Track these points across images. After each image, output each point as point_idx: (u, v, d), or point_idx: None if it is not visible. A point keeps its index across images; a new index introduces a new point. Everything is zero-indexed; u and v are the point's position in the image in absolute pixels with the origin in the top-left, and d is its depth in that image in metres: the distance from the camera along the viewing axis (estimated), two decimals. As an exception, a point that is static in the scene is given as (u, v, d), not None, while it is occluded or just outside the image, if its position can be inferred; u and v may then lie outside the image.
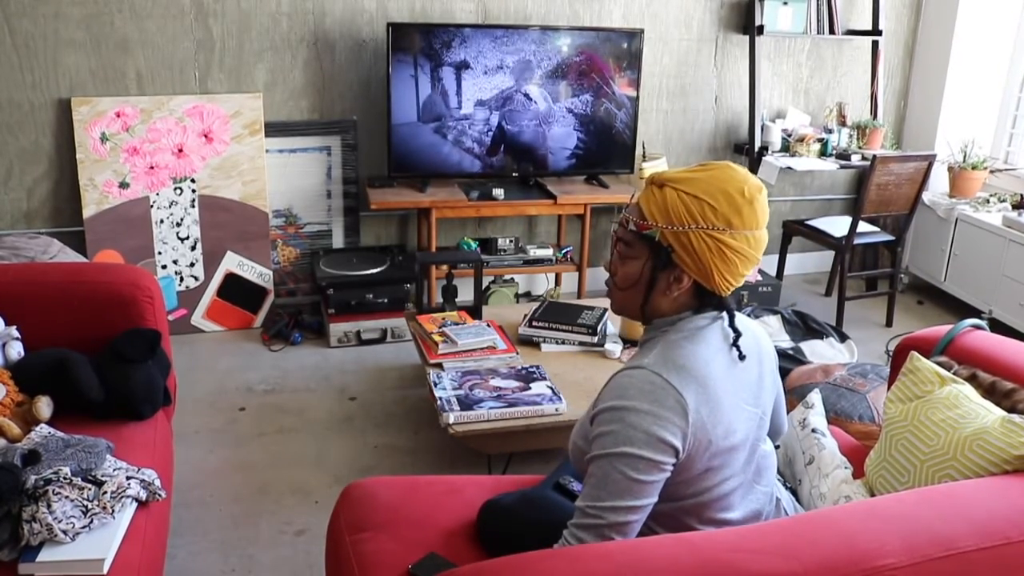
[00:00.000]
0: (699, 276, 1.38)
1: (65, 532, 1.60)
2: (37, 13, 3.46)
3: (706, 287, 1.39)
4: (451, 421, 2.40)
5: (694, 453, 1.32)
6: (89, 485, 1.72)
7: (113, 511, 1.69)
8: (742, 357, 1.41)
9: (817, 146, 4.36)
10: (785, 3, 4.26)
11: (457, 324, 2.94)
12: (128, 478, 1.80)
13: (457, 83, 3.79)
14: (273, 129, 3.84)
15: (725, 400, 1.36)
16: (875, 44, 4.51)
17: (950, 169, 4.44)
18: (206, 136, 3.72)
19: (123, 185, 3.66)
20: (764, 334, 1.55)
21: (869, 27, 4.51)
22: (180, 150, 3.70)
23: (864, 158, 4.28)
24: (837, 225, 4.13)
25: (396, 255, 3.99)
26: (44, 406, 2.01)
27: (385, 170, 3.89)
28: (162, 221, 3.74)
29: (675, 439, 1.29)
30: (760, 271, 4.16)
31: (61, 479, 1.71)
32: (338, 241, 4.08)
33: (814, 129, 4.44)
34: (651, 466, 1.29)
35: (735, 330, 1.42)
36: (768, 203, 1.40)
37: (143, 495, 1.80)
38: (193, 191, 3.75)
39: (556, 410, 2.46)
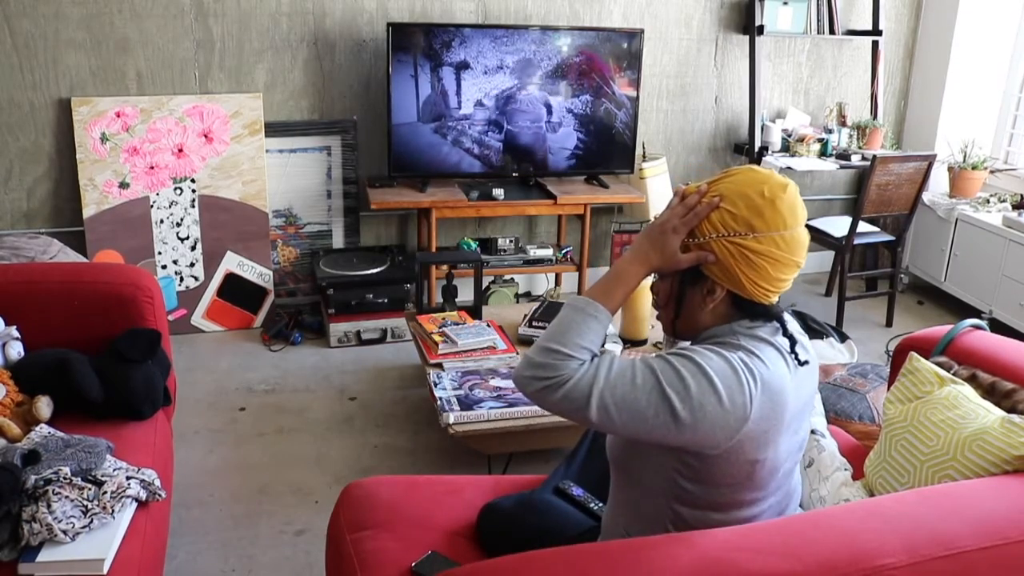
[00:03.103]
0: (731, 286, 1.33)
1: (65, 532, 1.60)
2: (37, 13, 3.46)
3: (743, 296, 1.34)
4: (451, 421, 2.40)
5: (731, 458, 1.28)
6: (89, 485, 1.72)
7: (113, 511, 1.69)
8: (802, 362, 1.36)
9: (817, 146, 4.36)
10: (785, 3, 4.26)
11: (457, 324, 2.94)
12: (128, 478, 1.80)
13: (457, 83, 3.79)
14: (273, 129, 3.84)
15: (785, 420, 1.31)
16: (875, 44, 4.51)
17: (950, 169, 4.44)
18: (206, 136, 3.72)
19: (123, 185, 3.66)
20: (816, 362, 1.50)
21: (869, 27, 4.51)
22: (180, 150, 3.70)
23: (864, 158, 4.28)
24: (837, 225, 4.13)
25: (396, 255, 3.99)
26: (44, 406, 2.01)
27: (385, 170, 3.89)
28: (162, 221, 3.74)
29: (722, 435, 1.24)
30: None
31: (61, 479, 1.71)
32: (338, 241, 4.08)
33: (814, 129, 4.44)
34: (677, 428, 1.23)
35: (789, 337, 1.36)
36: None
37: (143, 495, 1.80)
38: (193, 191, 3.75)
39: (556, 410, 2.45)
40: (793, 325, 1.41)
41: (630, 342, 2.94)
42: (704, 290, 1.35)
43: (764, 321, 1.36)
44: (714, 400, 1.23)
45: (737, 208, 1.30)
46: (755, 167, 1.36)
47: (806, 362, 1.37)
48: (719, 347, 1.31)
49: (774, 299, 1.37)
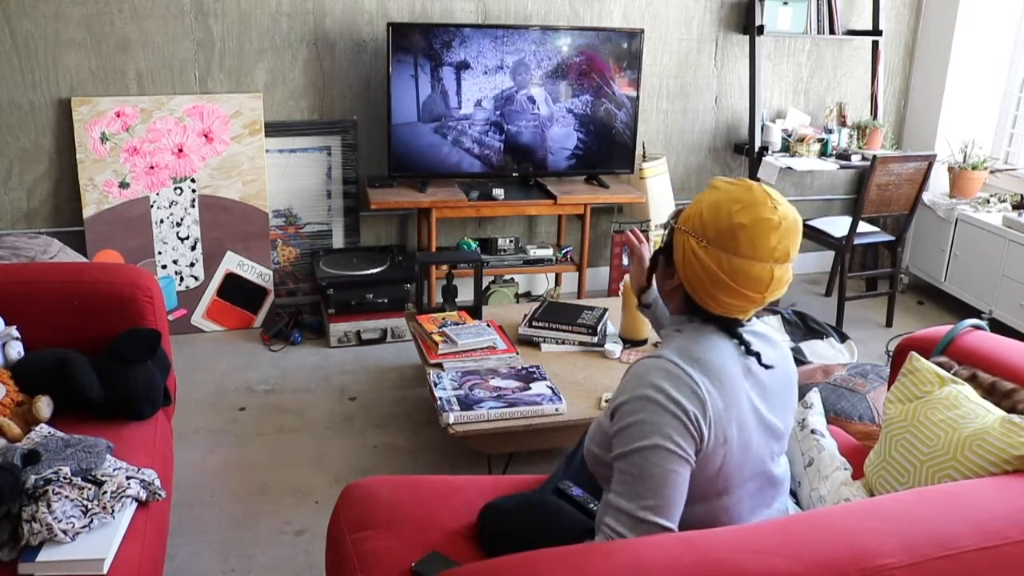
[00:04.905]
0: (682, 278, 1.41)
1: (65, 532, 1.60)
2: (37, 13, 3.46)
3: (692, 297, 1.41)
4: (451, 421, 2.40)
5: (712, 447, 1.32)
6: (89, 485, 1.72)
7: (113, 511, 1.69)
8: (766, 366, 1.40)
9: (817, 146, 4.36)
10: (785, 3, 4.26)
11: (457, 324, 2.94)
12: (128, 478, 1.80)
13: (457, 83, 3.79)
14: (273, 129, 3.84)
15: (743, 399, 1.36)
16: (875, 44, 4.51)
17: (950, 169, 4.44)
18: (206, 136, 3.72)
19: (123, 185, 3.66)
20: (791, 359, 1.54)
21: (869, 27, 4.51)
22: (180, 150, 3.70)
23: (864, 158, 4.28)
24: (837, 225, 4.13)
25: (396, 255, 3.99)
26: (44, 406, 2.02)
27: (385, 170, 3.89)
28: (162, 221, 3.74)
29: (700, 422, 1.29)
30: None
31: (61, 479, 1.71)
32: (338, 241, 4.08)
33: (814, 129, 4.44)
34: (682, 458, 1.29)
35: (743, 342, 1.40)
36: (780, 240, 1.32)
37: (143, 495, 1.80)
38: (193, 191, 3.75)
39: (556, 410, 2.46)
40: (760, 343, 1.43)
41: (630, 342, 2.94)
42: (668, 270, 1.46)
43: (717, 330, 1.41)
44: (672, 407, 1.28)
45: (707, 212, 1.36)
46: (770, 192, 1.36)
47: (771, 366, 1.42)
48: (660, 348, 1.39)
49: (729, 314, 1.40)
